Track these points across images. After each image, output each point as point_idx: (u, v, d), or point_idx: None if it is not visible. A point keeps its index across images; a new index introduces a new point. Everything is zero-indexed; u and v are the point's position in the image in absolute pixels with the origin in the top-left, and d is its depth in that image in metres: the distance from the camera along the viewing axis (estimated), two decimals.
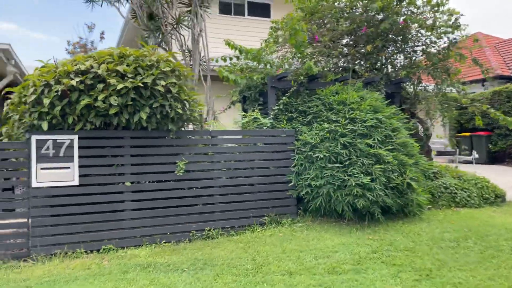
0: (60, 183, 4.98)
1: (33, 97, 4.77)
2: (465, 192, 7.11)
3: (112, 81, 4.83)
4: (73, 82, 4.68)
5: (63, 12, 43.64)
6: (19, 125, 5.06)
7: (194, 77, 7.12)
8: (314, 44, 7.35)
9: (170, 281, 4.10)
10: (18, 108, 4.93)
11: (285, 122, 6.44)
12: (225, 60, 7.52)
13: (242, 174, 5.95)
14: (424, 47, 7.92)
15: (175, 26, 7.39)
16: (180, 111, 5.21)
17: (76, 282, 4.19)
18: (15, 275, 4.44)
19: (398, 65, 7.95)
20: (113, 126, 5.20)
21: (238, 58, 7.46)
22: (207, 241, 5.53)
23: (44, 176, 4.92)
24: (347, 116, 6.08)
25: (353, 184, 5.52)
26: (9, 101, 5.26)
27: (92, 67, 4.92)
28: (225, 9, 13.85)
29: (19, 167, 4.99)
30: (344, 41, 7.58)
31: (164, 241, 5.40)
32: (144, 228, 5.36)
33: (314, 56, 7.49)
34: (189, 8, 7.50)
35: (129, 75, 4.96)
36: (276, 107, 6.60)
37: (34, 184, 4.88)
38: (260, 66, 7.26)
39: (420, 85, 8.01)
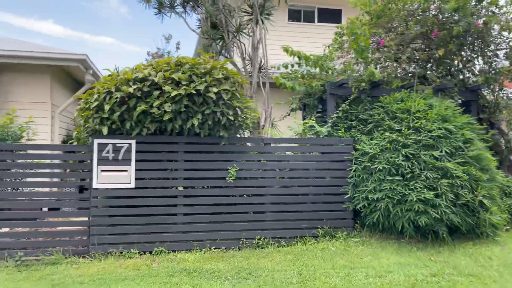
0: (118, 185, 5.23)
1: (95, 103, 5.08)
2: None
3: (167, 88, 4.98)
4: (130, 89, 4.90)
5: (152, 25, 46.97)
6: (84, 130, 5.42)
7: (252, 84, 7.12)
8: (381, 49, 6.95)
9: None
10: (83, 114, 5.28)
11: (343, 130, 6.14)
12: (286, 67, 7.42)
13: (296, 183, 5.78)
14: (508, 50, 7.12)
15: (235, 35, 7.45)
16: (232, 118, 5.21)
17: (124, 281, 4.34)
18: (73, 270, 4.72)
19: (476, 70, 7.22)
20: (168, 132, 5.34)
21: (299, 64, 7.32)
22: (257, 250, 5.43)
23: (104, 178, 5.20)
24: (411, 126, 5.63)
25: (415, 199, 5.07)
26: (78, 107, 5.66)
27: (149, 75, 5.12)
28: (294, 16, 13.76)
29: (84, 169, 5.31)
30: (415, 45, 7.07)
31: (214, 247, 5.41)
32: (195, 233, 5.42)
33: (380, 62, 7.08)
34: (251, 17, 7.54)
35: (183, 83, 5.07)
36: (335, 115, 6.34)
37: (95, 185, 5.17)
38: (322, 73, 7.05)
39: (502, 91, 7.19)
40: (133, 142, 5.27)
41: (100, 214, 5.20)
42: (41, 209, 5.49)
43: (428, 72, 7.10)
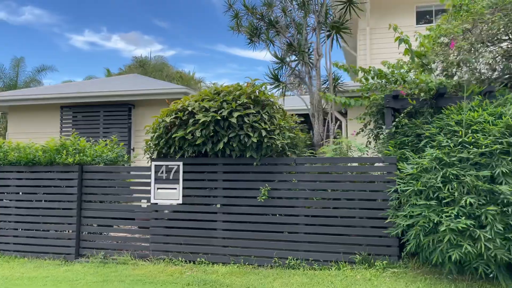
0: (169, 201, 6.09)
1: (151, 131, 6.10)
2: None
3: (199, 116, 5.61)
4: (167, 119, 5.72)
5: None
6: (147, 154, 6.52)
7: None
8: (451, 51, 5.90)
9: None
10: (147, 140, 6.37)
11: (391, 148, 5.54)
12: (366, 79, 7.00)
13: (330, 205, 5.53)
14: None
15: (306, 54, 7.55)
16: (255, 140, 5.44)
17: (149, 284, 5.10)
18: (129, 271, 5.75)
19: None
20: (209, 154, 5.93)
21: (373, 77, 6.87)
22: (287, 270, 5.44)
23: (159, 195, 6.14)
24: (461, 141, 4.72)
25: (444, 228, 4.26)
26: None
27: (188, 105, 5.85)
28: (422, 18, 12.53)
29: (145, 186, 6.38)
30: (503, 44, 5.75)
31: (247, 263, 5.68)
32: (232, 248, 5.81)
33: (449, 67, 5.98)
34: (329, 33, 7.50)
35: (212, 110, 5.61)
36: (387, 130, 5.77)
37: (153, 200, 6.17)
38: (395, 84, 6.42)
39: None
40: (181, 163, 6.07)
41: (157, 225, 6.15)
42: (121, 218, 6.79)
43: None
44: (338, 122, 8.45)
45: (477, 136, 4.66)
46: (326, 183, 5.62)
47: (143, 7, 53.88)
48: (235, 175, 5.91)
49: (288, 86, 8.00)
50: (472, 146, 4.62)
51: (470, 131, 4.80)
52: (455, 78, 5.89)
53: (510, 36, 5.74)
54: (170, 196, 6.10)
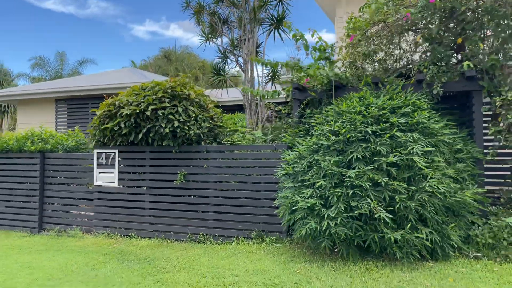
0: (108, 183, 7.02)
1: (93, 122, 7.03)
2: None
3: (123, 109, 6.44)
4: (101, 112, 6.60)
5: None
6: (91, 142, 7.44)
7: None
8: (352, 45, 6.25)
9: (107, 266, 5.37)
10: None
11: (288, 136, 6.09)
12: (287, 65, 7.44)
13: (235, 187, 6.20)
14: None
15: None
16: (167, 130, 6.20)
17: (77, 252, 6.07)
18: (73, 242, 6.77)
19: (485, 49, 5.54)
20: (138, 143, 6.76)
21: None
22: (197, 244, 6.21)
23: (101, 178, 7.09)
24: (328, 129, 5.21)
25: (297, 207, 4.84)
26: None
27: (119, 99, 6.69)
28: None
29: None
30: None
31: (167, 238, 6.52)
32: (157, 225, 6.66)
33: (352, 59, 6.32)
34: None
35: (134, 103, 6.41)
36: (290, 120, 6.31)
37: (96, 183, 7.13)
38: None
39: None
40: (116, 151, 6.96)
41: (99, 204, 7.12)
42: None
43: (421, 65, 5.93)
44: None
45: (343, 125, 5.13)
46: (231, 168, 6.29)
47: None
48: (159, 161, 6.72)
49: (230, 78, 8.65)
50: (337, 135, 5.11)
51: (340, 120, 5.27)
52: (367, 69, 6.26)
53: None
54: (109, 179, 7.02)
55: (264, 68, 7.93)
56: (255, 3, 8.03)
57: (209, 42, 9.45)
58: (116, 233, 6.90)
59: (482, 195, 5.06)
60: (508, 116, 4.80)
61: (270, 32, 8.12)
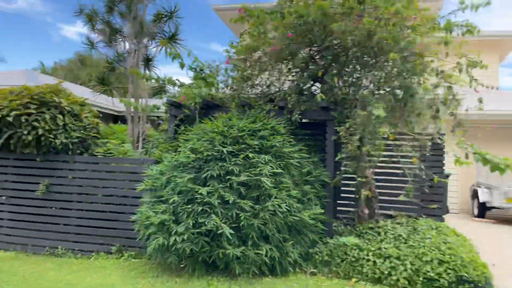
0: None
1: None
2: (387, 262, 4.90)
3: None
4: None
5: None
6: None
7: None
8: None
9: None
10: None
11: (159, 151, 6.16)
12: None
13: (101, 201, 6.08)
14: None
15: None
16: (30, 138, 5.94)
17: None
18: None
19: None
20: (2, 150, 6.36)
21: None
22: (55, 258, 5.94)
23: None
24: (190, 147, 5.38)
25: (150, 222, 4.90)
26: None
27: None
28: None
29: None
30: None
31: (24, 250, 6.16)
32: (14, 237, 6.28)
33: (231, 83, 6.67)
34: None
35: None
36: (165, 136, 6.40)
37: None
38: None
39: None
40: None
41: None
42: None
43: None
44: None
45: (203, 144, 5.32)
46: (99, 181, 6.17)
47: None
48: (22, 169, 6.38)
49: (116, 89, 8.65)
50: (196, 153, 5.28)
51: (203, 139, 5.45)
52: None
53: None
54: None
55: (149, 82, 7.95)
56: (143, 17, 8.13)
57: (94, 50, 9.28)
58: None
59: (327, 215, 5.52)
60: (349, 145, 5.32)
61: (163, 47, 8.22)
